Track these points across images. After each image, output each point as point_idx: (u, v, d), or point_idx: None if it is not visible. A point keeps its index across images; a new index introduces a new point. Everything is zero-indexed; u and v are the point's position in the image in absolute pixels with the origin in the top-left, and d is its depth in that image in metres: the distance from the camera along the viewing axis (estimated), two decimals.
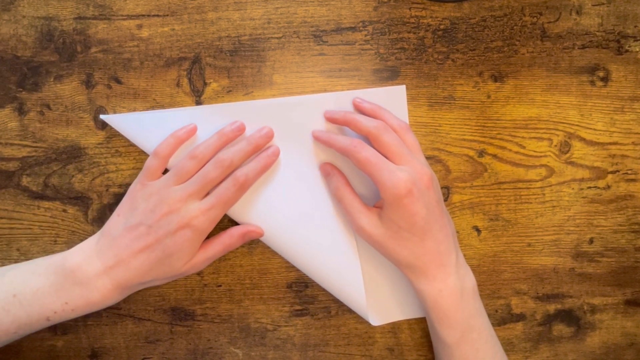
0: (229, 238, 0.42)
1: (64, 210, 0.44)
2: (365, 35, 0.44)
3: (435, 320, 0.39)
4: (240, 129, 0.42)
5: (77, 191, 0.44)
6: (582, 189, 0.46)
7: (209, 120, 0.42)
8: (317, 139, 0.42)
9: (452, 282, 0.38)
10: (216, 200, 0.39)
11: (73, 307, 0.38)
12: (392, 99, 0.43)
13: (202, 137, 0.41)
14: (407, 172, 0.37)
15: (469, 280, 0.40)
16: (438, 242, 0.38)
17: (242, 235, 0.42)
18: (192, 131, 0.42)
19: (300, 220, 0.42)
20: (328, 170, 0.42)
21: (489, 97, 0.45)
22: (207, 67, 0.43)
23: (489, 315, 0.46)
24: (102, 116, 0.42)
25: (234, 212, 0.42)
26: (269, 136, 0.42)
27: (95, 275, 0.38)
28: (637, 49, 0.45)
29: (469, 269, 0.41)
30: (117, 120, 0.42)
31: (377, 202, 0.42)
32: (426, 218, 0.37)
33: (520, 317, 0.47)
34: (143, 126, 0.42)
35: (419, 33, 0.44)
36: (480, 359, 0.39)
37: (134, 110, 0.43)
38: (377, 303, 0.44)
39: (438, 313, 0.39)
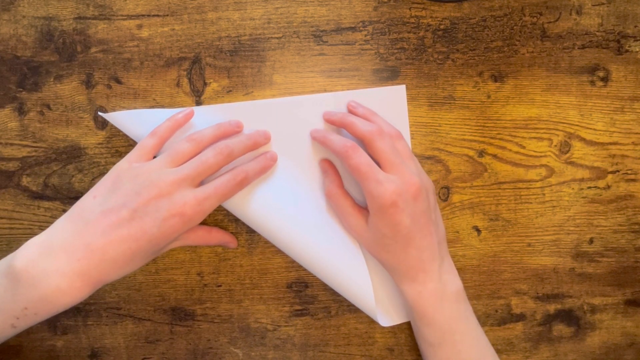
0: (207, 238, 0.41)
1: (64, 210, 0.44)
2: (365, 35, 0.44)
3: (417, 319, 0.40)
4: (239, 126, 0.41)
5: (77, 191, 0.44)
6: (582, 189, 0.46)
7: (208, 120, 0.41)
8: (314, 139, 0.42)
9: (432, 286, 0.38)
10: (213, 190, 0.37)
11: (35, 312, 0.33)
12: (392, 99, 0.44)
13: None
14: (395, 182, 0.37)
15: (453, 284, 0.40)
16: (421, 249, 0.38)
17: (219, 242, 0.43)
18: (190, 115, 0.40)
19: (301, 220, 0.42)
20: (325, 168, 0.43)
21: (489, 97, 0.45)
22: (207, 67, 0.43)
23: (489, 315, 0.46)
24: (100, 113, 0.42)
25: (236, 209, 0.42)
26: (267, 137, 0.42)
27: (56, 272, 0.32)
28: (637, 49, 0.45)
29: (456, 274, 0.41)
30: (116, 117, 0.42)
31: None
32: (409, 227, 0.37)
33: (520, 317, 0.47)
34: (142, 123, 0.41)
35: (419, 33, 0.44)
36: None
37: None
38: (387, 304, 0.44)
39: (418, 313, 0.39)
